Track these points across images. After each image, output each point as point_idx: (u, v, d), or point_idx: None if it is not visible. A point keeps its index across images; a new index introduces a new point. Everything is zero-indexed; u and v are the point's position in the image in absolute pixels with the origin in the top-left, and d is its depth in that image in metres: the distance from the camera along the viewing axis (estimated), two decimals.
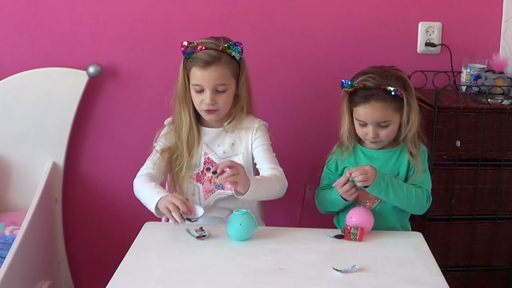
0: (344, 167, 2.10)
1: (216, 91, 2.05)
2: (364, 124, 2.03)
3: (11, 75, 2.50)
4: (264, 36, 2.58)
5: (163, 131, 2.18)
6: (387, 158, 2.08)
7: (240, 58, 2.09)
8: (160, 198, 1.92)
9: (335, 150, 2.16)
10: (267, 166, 2.08)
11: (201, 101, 2.06)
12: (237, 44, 2.05)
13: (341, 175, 2.10)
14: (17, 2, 2.51)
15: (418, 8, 2.60)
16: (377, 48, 2.62)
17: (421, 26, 2.61)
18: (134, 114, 2.62)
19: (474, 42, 2.63)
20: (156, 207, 1.93)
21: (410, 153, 2.05)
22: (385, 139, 2.05)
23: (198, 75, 2.04)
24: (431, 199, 2.07)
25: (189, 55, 2.05)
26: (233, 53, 2.05)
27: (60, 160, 2.56)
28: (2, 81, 2.50)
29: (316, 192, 2.18)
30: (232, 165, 1.87)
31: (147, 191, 2.01)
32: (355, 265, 1.71)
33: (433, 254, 1.84)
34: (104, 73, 2.54)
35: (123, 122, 2.64)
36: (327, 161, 2.17)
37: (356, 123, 2.06)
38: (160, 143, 2.15)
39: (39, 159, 2.54)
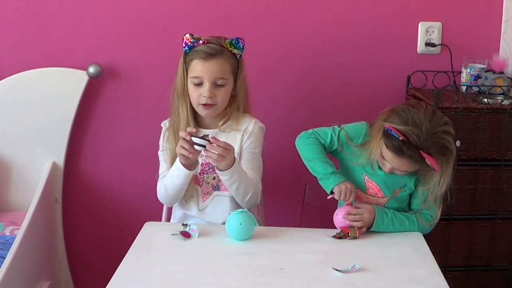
0: (341, 159, 2.09)
1: (215, 85, 2.06)
2: (386, 160, 1.96)
3: (11, 75, 2.50)
4: (264, 36, 2.58)
5: (162, 135, 2.18)
6: (394, 175, 2.02)
7: (240, 56, 2.10)
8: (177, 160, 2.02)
9: (352, 145, 2.06)
10: (249, 172, 2.08)
11: (199, 95, 2.07)
12: (239, 40, 2.08)
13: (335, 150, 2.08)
14: (17, 2, 2.51)
15: (418, 8, 2.60)
16: (377, 48, 2.62)
17: (421, 26, 2.61)
18: (134, 114, 2.62)
19: (474, 42, 2.63)
20: (182, 165, 2.00)
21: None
22: (399, 175, 2.01)
23: (199, 67, 2.05)
24: (434, 222, 2.03)
25: (190, 48, 2.07)
26: (234, 50, 2.08)
27: (60, 160, 2.56)
28: (2, 81, 2.49)
29: (306, 135, 2.09)
30: (224, 146, 1.91)
31: (170, 173, 2.07)
32: (355, 265, 1.71)
33: (433, 254, 1.84)
34: (104, 73, 2.54)
35: (123, 122, 2.64)
36: (341, 130, 2.07)
37: (379, 152, 1.96)
38: (164, 152, 2.16)
39: (39, 159, 2.54)
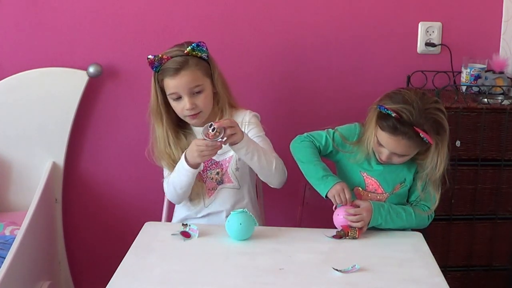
0: (338, 160, 2.10)
1: (193, 94, 2.07)
2: (382, 146, 1.97)
3: (11, 75, 2.50)
4: (264, 36, 2.58)
5: (152, 149, 2.19)
6: (393, 169, 2.05)
7: (208, 56, 2.10)
8: (184, 156, 2.03)
9: (348, 143, 2.07)
10: None
11: (182, 108, 2.08)
12: (200, 44, 2.08)
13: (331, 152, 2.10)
14: (17, 2, 2.51)
15: (418, 8, 2.60)
16: (377, 48, 2.62)
17: (421, 26, 2.61)
18: (134, 114, 2.62)
19: (474, 42, 2.62)
20: (189, 163, 2.01)
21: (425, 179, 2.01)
22: (397, 164, 2.02)
23: (171, 84, 2.06)
24: (433, 215, 2.05)
25: (157, 68, 2.07)
26: (199, 54, 2.07)
27: (60, 160, 2.56)
28: (2, 81, 2.49)
29: (301, 139, 2.12)
30: (230, 123, 1.95)
31: (177, 174, 2.06)
32: (355, 265, 1.71)
33: (433, 254, 1.84)
34: (104, 73, 2.54)
35: (123, 122, 2.64)
36: (335, 132, 2.09)
37: (375, 139, 1.97)
38: (162, 163, 2.17)
39: (39, 159, 2.54)
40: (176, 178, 2.08)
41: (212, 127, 1.92)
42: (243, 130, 2.13)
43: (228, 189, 2.16)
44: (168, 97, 2.10)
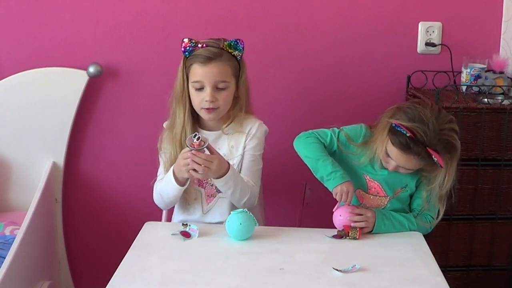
0: (342, 161, 2.09)
1: (216, 88, 2.04)
2: (390, 157, 1.95)
3: (11, 75, 2.50)
4: (265, 36, 2.58)
5: (163, 136, 2.16)
6: (396, 175, 2.03)
7: (241, 57, 2.08)
8: (172, 170, 2.00)
9: (353, 144, 2.05)
10: (248, 175, 2.08)
11: (201, 100, 2.05)
12: (238, 41, 2.06)
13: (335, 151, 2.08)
14: (17, 2, 2.51)
15: (418, 8, 2.61)
16: (377, 48, 2.62)
17: (421, 26, 2.61)
18: (134, 114, 2.62)
19: (474, 42, 2.63)
20: (176, 178, 1.99)
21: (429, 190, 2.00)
22: (402, 173, 2.01)
23: (199, 71, 2.03)
24: (435, 223, 2.05)
25: (189, 53, 2.05)
26: (234, 52, 2.06)
27: (60, 160, 2.56)
28: (2, 81, 2.50)
29: (305, 135, 2.09)
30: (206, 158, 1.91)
31: (164, 184, 2.05)
32: (355, 265, 1.71)
33: (433, 254, 1.84)
34: (104, 73, 2.54)
35: (123, 122, 2.64)
36: (341, 131, 2.07)
37: (384, 150, 1.95)
38: (163, 153, 2.14)
39: (39, 159, 2.54)
40: (164, 189, 2.06)
41: (196, 137, 1.90)
42: (245, 140, 2.10)
43: (226, 199, 2.11)
44: (190, 85, 2.06)
